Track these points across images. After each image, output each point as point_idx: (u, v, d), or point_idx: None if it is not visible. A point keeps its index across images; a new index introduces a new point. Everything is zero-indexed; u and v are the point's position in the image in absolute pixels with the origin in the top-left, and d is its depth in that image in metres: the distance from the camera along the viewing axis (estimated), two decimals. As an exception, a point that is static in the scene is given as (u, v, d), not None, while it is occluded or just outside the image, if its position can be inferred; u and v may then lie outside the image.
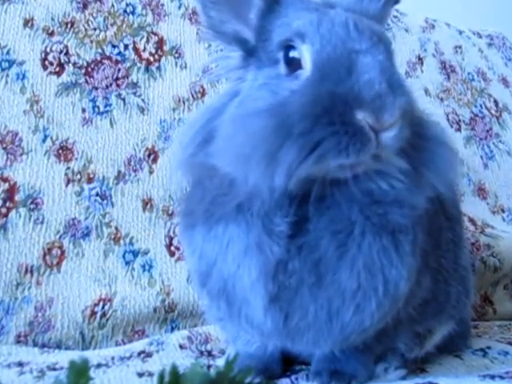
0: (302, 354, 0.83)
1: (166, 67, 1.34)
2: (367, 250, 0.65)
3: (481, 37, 1.93)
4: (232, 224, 0.67)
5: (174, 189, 1.19)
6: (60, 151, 1.17)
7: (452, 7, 2.04)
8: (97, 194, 1.17)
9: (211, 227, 0.69)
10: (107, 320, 1.07)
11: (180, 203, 0.84)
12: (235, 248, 0.67)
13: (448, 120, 1.66)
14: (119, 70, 1.28)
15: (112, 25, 1.31)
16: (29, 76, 1.20)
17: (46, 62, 1.22)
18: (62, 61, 1.24)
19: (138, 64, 1.31)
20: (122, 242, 1.16)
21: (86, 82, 1.24)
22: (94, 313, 1.06)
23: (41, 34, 1.24)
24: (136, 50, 1.32)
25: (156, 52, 1.34)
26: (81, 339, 1.05)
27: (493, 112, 1.76)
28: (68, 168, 1.16)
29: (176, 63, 1.35)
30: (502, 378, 0.74)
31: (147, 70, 1.31)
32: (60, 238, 1.11)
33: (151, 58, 1.33)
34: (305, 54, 0.64)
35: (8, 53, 1.20)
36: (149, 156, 1.24)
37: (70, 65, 1.24)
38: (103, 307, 1.07)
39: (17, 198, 1.10)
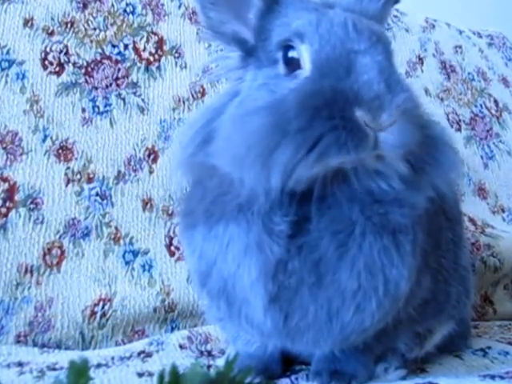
0: (301, 354, 0.83)
1: (166, 67, 1.34)
2: (368, 249, 0.65)
3: (481, 37, 1.92)
4: (232, 223, 0.67)
5: (173, 189, 1.19)
6: (60, 151, 1.17)
7: (452, 7, 2.04)
8: (97, 194, 1.16)
9: (211, 227, 0.69)
10: (107, 320, 1.07)
11: (180, 203, 0.84)
12: (235, 248, 0.67)
13: (448, 120, 1.66)
14: (119, 69, 1.28)
15: (112, 24, 1.31)
16: (29, 76, 1.20)
17: (46, 62, 1.22)
18: (62, 61, 1.24)
19: (138, 64, 1.31)
20: (121, 241, 1.15)
21: (86, 81, 1.24)
22: (93, 313, 1.06)
23: (41, 33, 1.24)
24: (136, 49, 1.32)
25: (156, 52, 1.34)
26: (81, 339, 1.05)
27: (493, 112, 1.76)
28: (68, 168, 1.16)
29: (176, 63, 1.35)
30: (502, 378, 0.74)
31: (147, 69, 1.31)
32: (60, 237, 1.11)
33: (151, 58, 1.33)
34: (304, 54, 0.64)
35: (8, 52, 1.20)
36: (149, 156, 1.24)
37: (70, 65, 1.24)
38: (103, 307, 1.07)
39: (17, 197, 1.10)
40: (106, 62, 1.28)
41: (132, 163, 1.22)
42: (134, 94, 1.28)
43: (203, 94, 1.35)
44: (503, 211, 1.60)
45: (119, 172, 1.20)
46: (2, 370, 0.88)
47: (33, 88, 1.19)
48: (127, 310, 1.08)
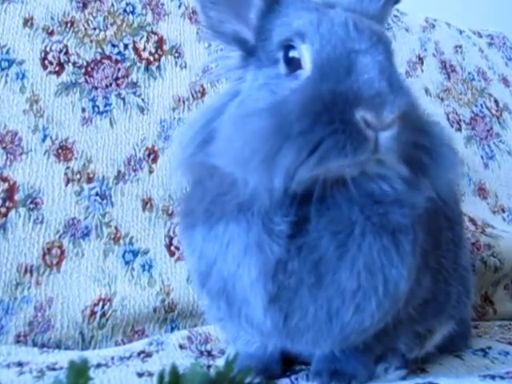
0: (301, 354, 0.83)
1: (166, 67, 1.33)
2: (367, 250, 0.64)
3: (481, 36, 1.92)
4: (232, 223, 0.67)
5: (173, 188, 1.19)
6: (60, 151, 1.17)
7: (452, 7, 2.04)
8: (96, 194, 1.16)
9: (211, 227, 0.69)
10: (107, 320, 1.07)
11: (180, 203, 0.84)
12: (235, 247, 0.66)
13: (448, 120, 1.66)
14: (119, 69, 1.28)
15: (112, 24, 1.31)
16: (28, 75, 1.20)
17: (46, 62, 1.22)
18: (62, 60, 1.24)
19: (138, 63, 1.31)
20: (121, 241, 1.15)
21: (86, 81, 1.24)
22: (93, 313, 1.06)
23: (40, 33, 1.24)
24: (136, 49, 1.32)
25: (156, 51, 1.34)
26: (80, 339, 1.05)
27: (493, 112, 1.76)
28: (68, 168, 1.16)
29: (176, 63, 1.35)
30: (502, 378, 0.74)
31: (147, 69, 1.31)
32: (60, 237, 1.11)
33: (151, 58, 1.33)
34: (304, 53, 0.64)
35: (8, 52, 1.20)
36: (149, 156, 1.24)
37: (70, 64, 1.24)
38: (103, 307, 1.07)
39: (16, 197, 1.10)
40: (106, 61, 1.28)
41: (132, 163, 1.22)
42: (134, 93, 1.28)
43: (203, 93, 1.34)
44: (503, 211, 1.60)
45: (119, 172, 1.20)
46: (1, 369, 0.87)
47: (32, 88, 1.19)
48: (127, 309, 1.08)
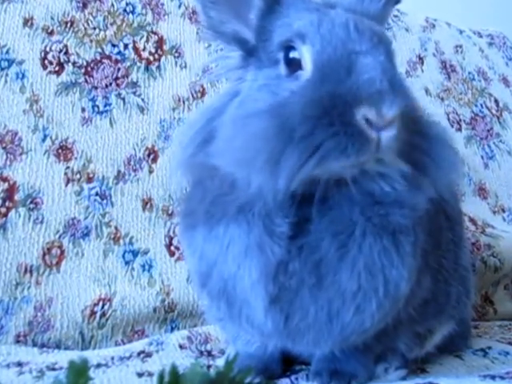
0: (302, 354, 0.83)
1: (166, 66, 1.33)
2: (368, 250, 0.64)
3: (481, 36, 1.92)
4: (233, 224, 0.67)
5: (173, 188, 1.19)
6: (59, 151, 1.17)
7: (452, 7, 2.03)
8: (96, 194, 1.16)
9: (212, 228, 0.68)
10: (107, 320, 1.07)
11: (180, 203, 0.84)
12: (236, 248, 0.66)
13: (448, 120, 1.66)
14: (119, 69, 1.28)
15: (112, 24, 1.31)
16: (28, 75, 1.19)
17: (46, 62, 1.22)
18: (62, 60, 1.23)
19: (138, 63, 1.31)
20: (121, 241, 1.15)
21: (86, 81, 1.24)
22: (93, 313, 1.06)
23: (40, 33, 1.24)
24: (136, 49, 1.32)
25: (156, 51, 1.34)
26: (80, 339, 1.05)
27: (493, 112, 1.76)
28: (68, 167, 1.16)
29: (176, 62, 1.35)
30: (502, 378, 0.74)
31: (147, 69, 1.31)
32: (59, 237, 1.11)
33: (151, 58, 1.32)
34: (305, 54, 0.64)
35: (7, 52, 1.20)
36: (148, 156, 1.24)
37: (70, 64, 1.24)
38: (103, 307, 1.07)
39: (16, 197, 1.10)
40: (106, 61, 1.27)
41: (132, 163, 1.22)
42: (134, 93, 1.28)
43: (203, 93, 1.34)
44: (503, 211, 1.60)
45: (119, 172, 1.20)
46: (1, 369, 0.87)
47: (32, 87, 1.19)
48: (127, 309, 1.08)
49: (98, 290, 1.09)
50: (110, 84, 1.26)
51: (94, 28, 1.29)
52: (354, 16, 0.67)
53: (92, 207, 1.15)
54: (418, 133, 0.62)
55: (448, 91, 1.71)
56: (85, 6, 1.30)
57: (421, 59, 1.71)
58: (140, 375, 0.85)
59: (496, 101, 1.79)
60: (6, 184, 1.10)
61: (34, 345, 1.02)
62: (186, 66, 1.35)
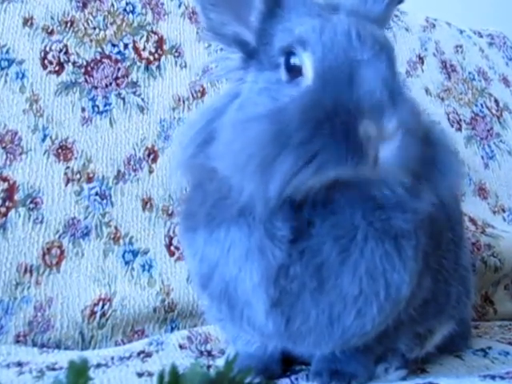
0: (302, 354, 0.83)
1: (166, 66, 1.33)
2: (369, 255, 0.64)
3: (481, 36, 1.92)
4: (234, 227, 0.66)
5: (173, 188, 1.19)
6: (59, 150, 1.17)
7: (453, 6, 2.03)
8: (96, 194, 1.16)
9: (213, 230, 0.68)
10: (107, 320, 1.07)
11: (180, 203, 0.84)
12: (237, 252, 0.66)
13: (449, 120, 1.66)
14: (119, 69, 1.28)
15: (112, 24, 1.31)
16: (28, 75, 1.19)
17: (46, 61, 1.22)
18: (62, 60, 1.23)
19: (138, 63, 1.31)
20: (121, 241, 1.15)
21: (86, 81, 1.24)
22: (93, 313, 1.06)
23: (40, 33, 1.24)
24: (136, 49, 1.32)
25: (156, 51, 1.34)
26: (80, 339, 1.05)
27: (493, 111, 1.76)
28: (67, 167, 1.16)
29: (176, 62, 1.35)
30: (502, 378, 0.74)
31: (147, 69, 1.31)
32: (59, 237, 1.11)
33: (151, 57, 1.32)
34: (306, 61, 0.63)
35: (7, 52, 1.19)
36: (148, 155, 1.24)
37: (70, 64, 1.24)
38: (103, 307, 1.07)
39: (16, 197, 1.10)
40: (106, 61, 1.27)
41: (132, 163, 1.22)
42: (134, 93, 1.27)
43: (203, 93, 1.34)
44: (504, 211, 1.60)
45: (119, 172, 1.20)
46: (1, 369, 0.87)
47: (32, 87, 1.19)
48: (127, 309, 1.08)
49: (98, 289, 1.09)
50: (110, 84, 1.26)
51: (94, 28, 1.29)
52: (357, 21, 0.65)
53: (92, 207, 1.15)
54: (421, 144, 0.62)
55: (448, 91, 1.71)
56: (85, 5, 1.30)
57: (421, 59, 1.71)
58: (140, 375, 0.85)
59: (496, 101, 1.78)
60: (6, 184, 1.10)
61: (34, 345, 1.02)
62: (185, 66, 1.35)
